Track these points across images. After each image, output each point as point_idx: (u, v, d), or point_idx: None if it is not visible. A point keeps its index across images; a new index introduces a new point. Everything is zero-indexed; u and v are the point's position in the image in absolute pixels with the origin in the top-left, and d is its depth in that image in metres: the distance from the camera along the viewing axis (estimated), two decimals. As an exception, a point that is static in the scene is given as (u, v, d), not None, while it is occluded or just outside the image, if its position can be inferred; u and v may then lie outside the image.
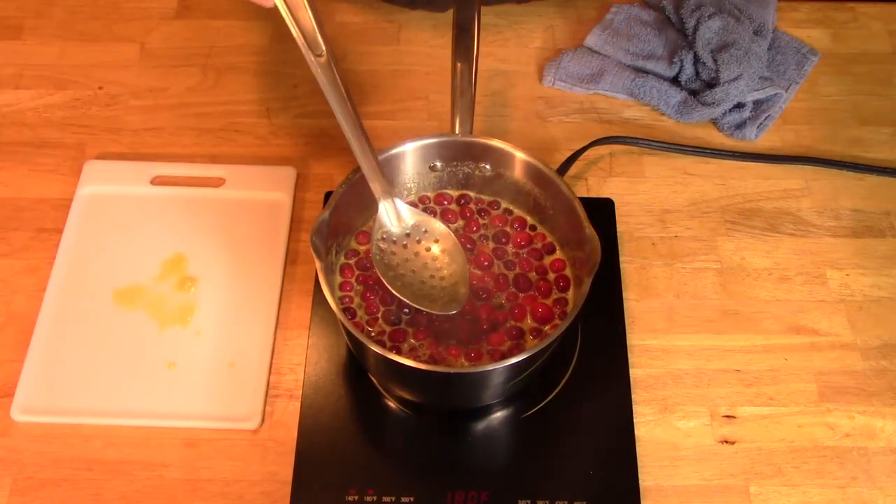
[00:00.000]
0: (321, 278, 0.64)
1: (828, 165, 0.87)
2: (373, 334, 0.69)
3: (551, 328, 0.69)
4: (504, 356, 0.67)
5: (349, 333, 0.63)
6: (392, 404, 0.73)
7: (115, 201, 0.83)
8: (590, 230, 0.67)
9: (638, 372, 0.75)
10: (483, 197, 0.76)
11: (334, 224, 0.69)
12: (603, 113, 0.91)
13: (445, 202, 0.76)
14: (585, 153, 0.85)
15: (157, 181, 0.84)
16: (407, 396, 0.72)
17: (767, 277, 0.80)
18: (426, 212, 0.74)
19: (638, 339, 0.76)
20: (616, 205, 0.83)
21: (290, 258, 0.80)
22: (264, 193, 0.83)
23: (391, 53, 0.95)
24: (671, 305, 0.78)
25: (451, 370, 0.65)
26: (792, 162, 0.87)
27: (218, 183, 0.84)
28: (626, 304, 0.78)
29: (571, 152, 0.85)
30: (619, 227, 0.82)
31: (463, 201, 0.76)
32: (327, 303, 0.63)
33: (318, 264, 0.64)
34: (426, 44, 0.95)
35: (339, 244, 0.72)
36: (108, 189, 0.83)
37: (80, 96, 0.91)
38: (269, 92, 0.91)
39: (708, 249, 0.82)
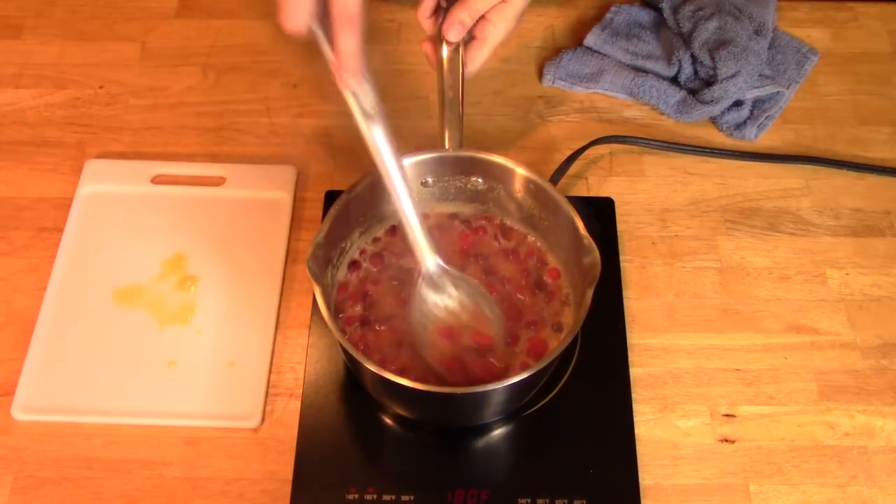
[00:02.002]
0: (320, 303, 0.63)
1: (828, 165, 0.87)
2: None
3: (553, 344, 0.69)
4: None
5: (348, 354, 0.63)
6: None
7: (116, 200, 0.83)
8: (588, 241, 0.66)
9: (638, 371, 0.75)
10: (476, 210, 0.76)
11: (328, 243, 0.68)
12: (603, 112, 0.91)
13: (438, 219, 0.76)
14: (585, 152, 0.85)
15: (158, 180, 0.84)
16: (406, 414, 0.72)
17: (767, 276, 0.80)
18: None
19: (638, 338, 0.76)
20: (616, 204, 0.83)
21: (291, 257, 0.80)
22: (265, 192, 0.83)
23: (391, 53, 0.95)
24: (671, 304, 0.79)
25: (452, 391, 0.63)
26: (792, 161, 0.87)
27: (218, 182, 0.84)
28: (626, 303, 0.78)
29: (571, 151, 0.85)
30: (620, 227, 0.82)
31: (455, 216, 0.76)
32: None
33: (316, 288, 0.64)
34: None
35: (335, 262, 0.72)
36: (108, 188, 0.83)
37: (80, 95, 0.91)
38: (270, 91, 0.91)
39: (708, 248, 0.82)
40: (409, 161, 0.72)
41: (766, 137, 0.89)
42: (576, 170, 0.85)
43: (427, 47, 0.72)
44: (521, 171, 0.72)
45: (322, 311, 0.63)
